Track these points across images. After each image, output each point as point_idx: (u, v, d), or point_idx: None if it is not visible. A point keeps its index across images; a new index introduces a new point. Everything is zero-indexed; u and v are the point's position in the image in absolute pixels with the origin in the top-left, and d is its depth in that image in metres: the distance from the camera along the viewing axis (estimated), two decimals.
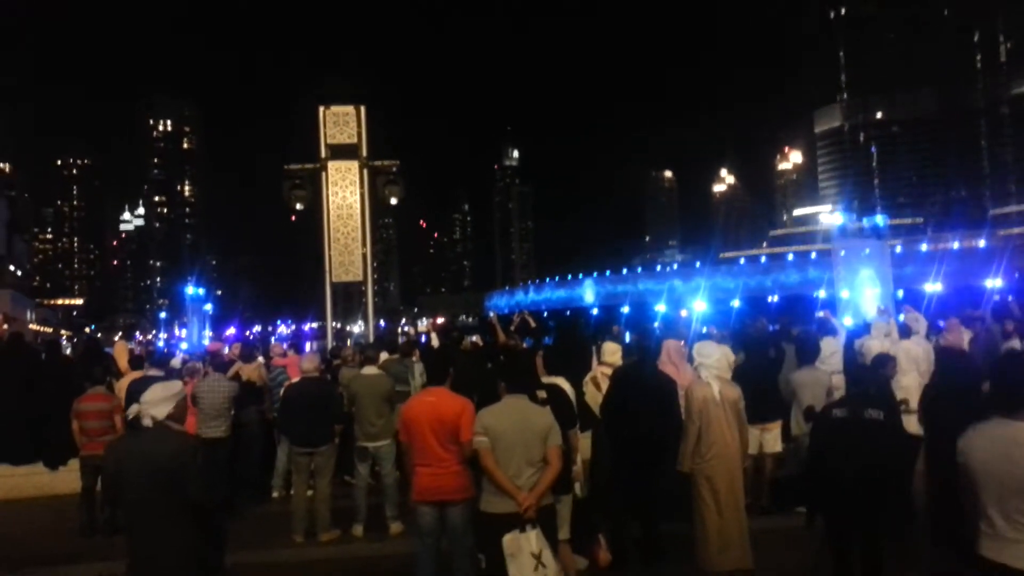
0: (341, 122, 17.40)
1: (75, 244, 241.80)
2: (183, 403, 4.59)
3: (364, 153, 17.46)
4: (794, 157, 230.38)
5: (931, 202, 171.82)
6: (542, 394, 5.85)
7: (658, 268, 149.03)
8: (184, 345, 28.51)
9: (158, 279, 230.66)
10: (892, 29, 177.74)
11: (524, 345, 10.89)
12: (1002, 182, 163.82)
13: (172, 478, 4.20)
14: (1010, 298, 12.83)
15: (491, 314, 11.69)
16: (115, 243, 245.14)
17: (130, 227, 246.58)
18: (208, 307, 31.70)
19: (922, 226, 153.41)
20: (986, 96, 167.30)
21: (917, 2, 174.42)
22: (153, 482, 4.20)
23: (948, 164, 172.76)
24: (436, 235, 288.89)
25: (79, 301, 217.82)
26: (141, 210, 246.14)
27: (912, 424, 7.35)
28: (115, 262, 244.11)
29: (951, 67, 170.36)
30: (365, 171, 17.44)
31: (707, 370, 6.48)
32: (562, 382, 6.63)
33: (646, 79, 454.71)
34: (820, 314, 13.62)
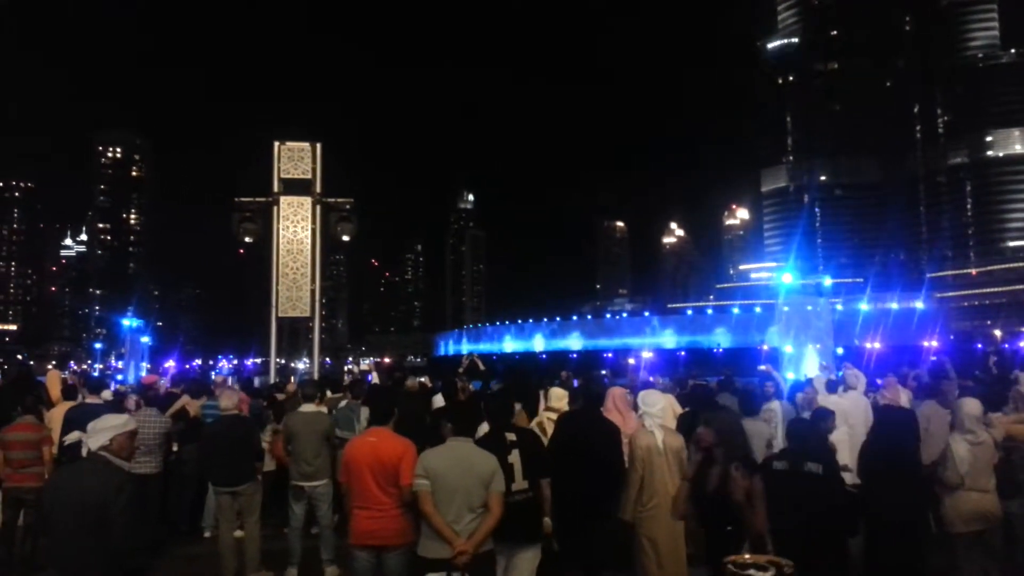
0: (296, 157, 17.29)
1: (12, 268, 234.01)
2: (123, 437, 4.43)
3: (318, 189, 17.34)
4: (741, 214, 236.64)
5: (871, 263, 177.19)
6: (511, 436, 5.64)
7: (607, 316, 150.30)
8: (120, 376, 27.63)
9: (96, 308, 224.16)
10: (838, 98, 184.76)
11: (472, 388, 10.84)
12: (939, 247, 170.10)
13: (97, 513, 4.04)
14: (945, 359, 13.22)
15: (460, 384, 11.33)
16: (54, 269, 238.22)
17: (71, 253, 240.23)
18: (146, 339, 30.76)
19: (862, 286, 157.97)
20: (925, 165, 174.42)
21: (862, 74, 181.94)
22: (77, 516, 4.04)
23: (888, 228, 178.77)
24: (387, 274, 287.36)
25: (13, 327, 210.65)
26: (84, 236, 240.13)
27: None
28: (53, 288, 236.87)
29: (892, 136, 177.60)
30: (318, 207, 17.31)
31: (651, 419, 6.50)
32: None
33: (602, 132, 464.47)
34: (762, 367, 13.82)
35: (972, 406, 6.55)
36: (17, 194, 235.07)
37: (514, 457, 5.50)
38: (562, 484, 5.93)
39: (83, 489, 4.11)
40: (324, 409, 9.13)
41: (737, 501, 5.03)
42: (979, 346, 54.21)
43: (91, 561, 4.05)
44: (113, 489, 4.13)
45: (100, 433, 4.32)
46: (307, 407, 8.70)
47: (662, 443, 6.35)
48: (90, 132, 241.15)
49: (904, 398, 11.25)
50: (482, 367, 13.02)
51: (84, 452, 4.33)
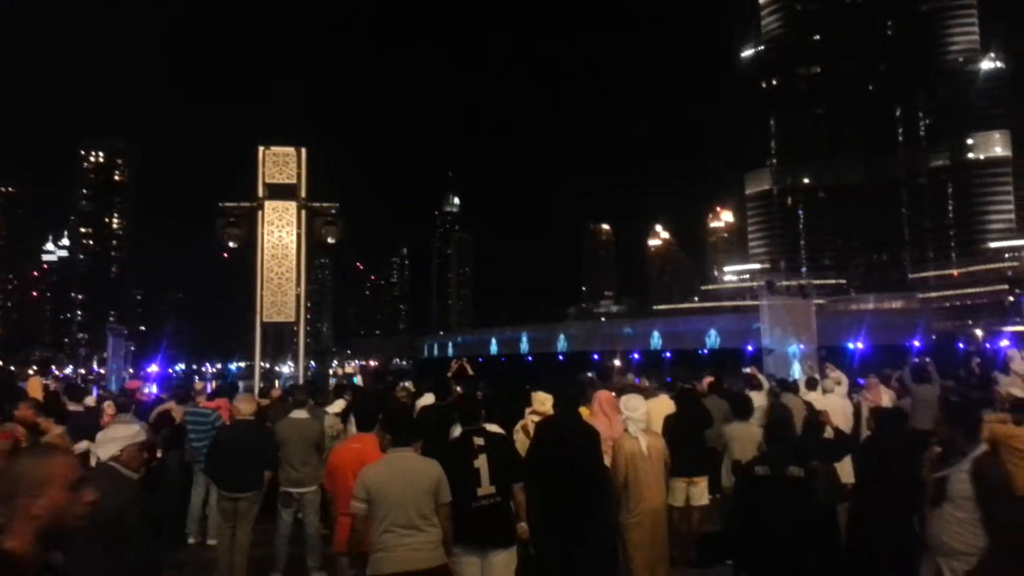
0: (281, 162, 17.19)
1: None
2: (133, 448, 4.42)
3: (303, 194, 17.26)
4: (725, 216, 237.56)
5: (854, 264, 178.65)
6: (479, 441, 5.54)
7: (595, 318, 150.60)
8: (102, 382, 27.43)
9: (79, 313, 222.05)
10: (821, 101, 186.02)
11: (459, 391, 10.81)
12: (921, 248, 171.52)
13: (110, 525, 3.97)
14: (927, 359, 13.33)
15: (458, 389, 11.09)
16: (36, 274, 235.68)
17: (53, 258, 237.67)
18: (130, 344, 30.55)
19: (845, 287, 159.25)
20: (906, 167, 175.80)
21: (844, 78, 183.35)
22: (89, 528, 3.96)
23: (870, 229, 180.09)
24: (373, 277, 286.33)
25: None
26: (66, 241, 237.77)
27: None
28: (35, 293, 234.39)
29: (874, 139, 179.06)
30: (303, 212, 17.23)
31: (634, 424, 6.52)
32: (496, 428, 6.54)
33: (588, 135, 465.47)
34: (747, 370, 13.88)
35: None
36: None
37: (481, 462, 5.40)
38: (542, 490, 5.88)
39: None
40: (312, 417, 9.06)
41: None
42: (960, 345, 54.72)
43: (106, 573, 3.99)
44: (126, 500, 4.10)
45: (110, 443, 4.29)
46: (297, 413, 8.65)
47: (646, 448, 6.37)
48: (73, 136, 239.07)
49: (886, 398, 11.37)
50: (471, 371, 12.96)
51: (93, 462, 4.29)
